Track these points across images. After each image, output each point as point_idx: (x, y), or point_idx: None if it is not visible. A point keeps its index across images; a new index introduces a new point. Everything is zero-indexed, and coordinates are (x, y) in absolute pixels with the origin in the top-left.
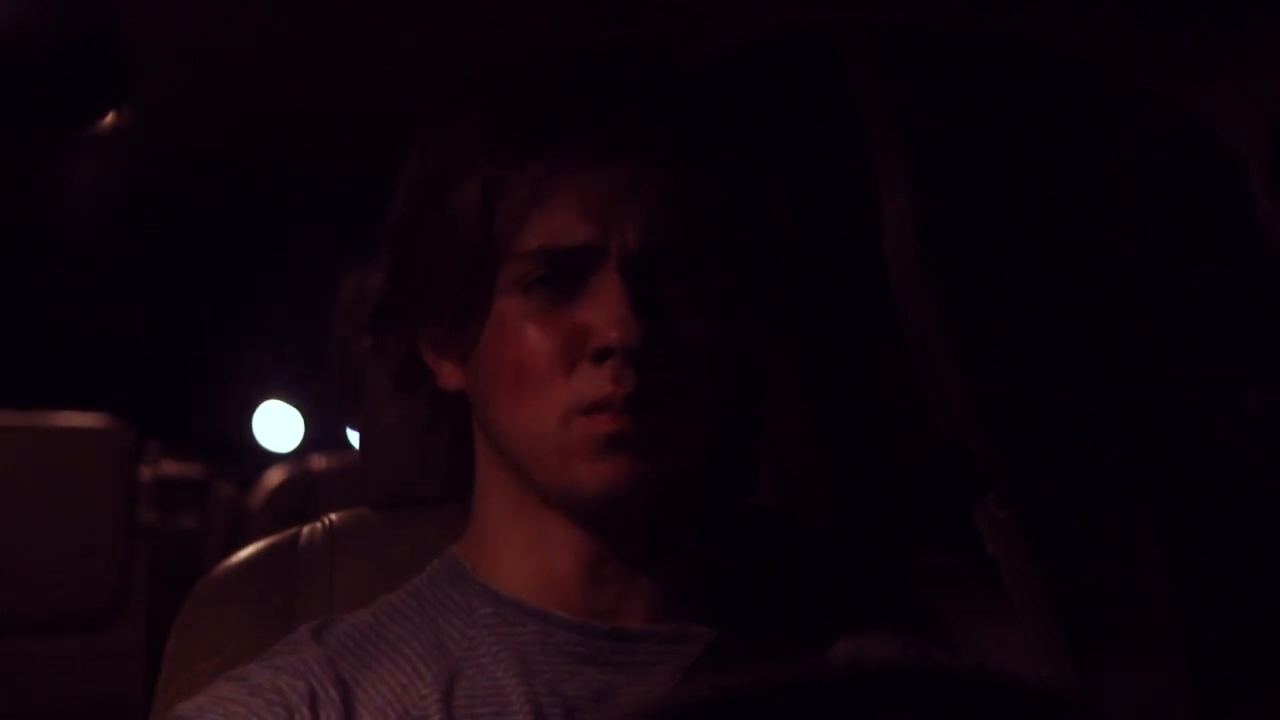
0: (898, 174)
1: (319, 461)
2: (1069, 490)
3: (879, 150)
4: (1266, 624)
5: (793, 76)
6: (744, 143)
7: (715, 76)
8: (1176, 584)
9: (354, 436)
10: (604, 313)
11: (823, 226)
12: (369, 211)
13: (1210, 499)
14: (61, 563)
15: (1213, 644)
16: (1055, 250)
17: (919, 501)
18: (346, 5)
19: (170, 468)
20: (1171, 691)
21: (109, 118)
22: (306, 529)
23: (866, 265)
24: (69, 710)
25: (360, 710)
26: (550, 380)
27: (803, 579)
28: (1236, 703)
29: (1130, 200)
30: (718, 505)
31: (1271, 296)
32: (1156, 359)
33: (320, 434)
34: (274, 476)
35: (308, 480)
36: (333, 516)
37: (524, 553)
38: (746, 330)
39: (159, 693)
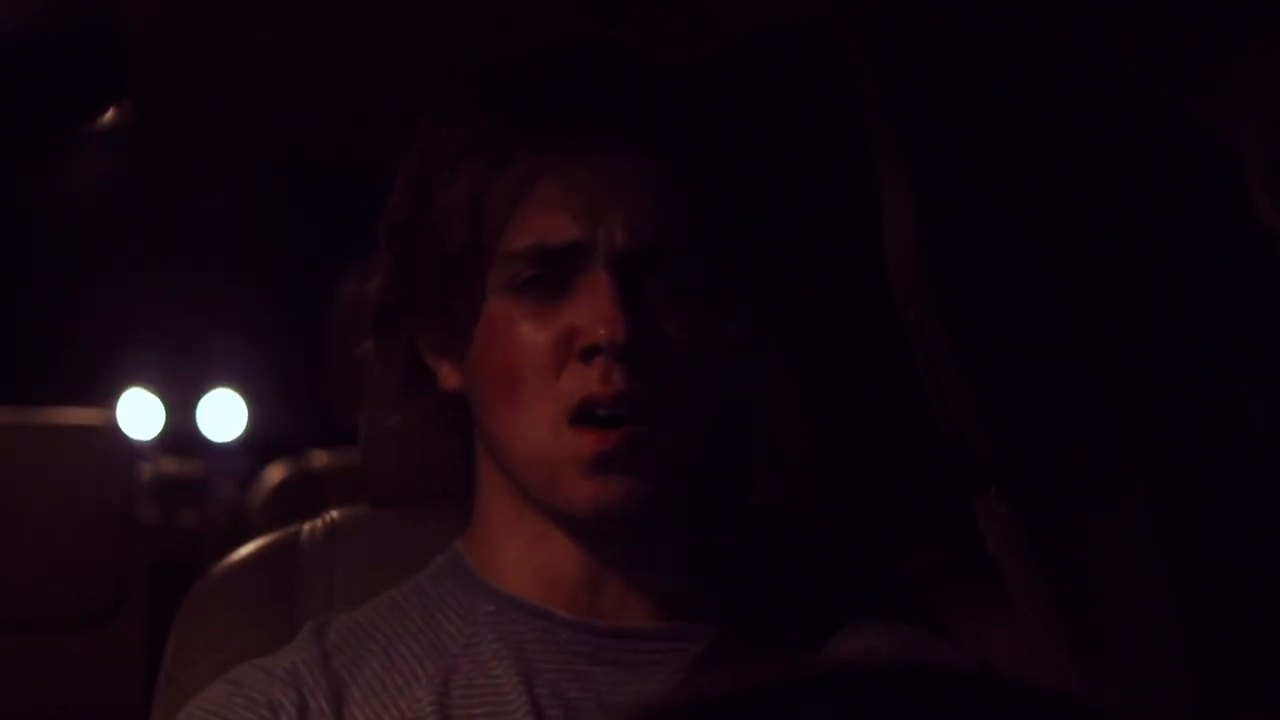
0: (898, 171)
1: (320, 458)
2: (1069, 488)
3: (879, 147)
4: (1266, 624)
5: (794, 73)
6: (732, 137)
7: (699, 73)
8: (1176, 583)
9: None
10: (591, 311)
11: (823, 223)
12: (369, 210)
13: (1210, 498)
14: (62, 560)
15: (1213, 644)
16: (1055, 248)
17: (919, 498)
18: (348, 3)
19: (170, 465)
20: (1171, 691)
21: (110, 113)
22: (307, 526)
23: (866, 262)
24: (69, 708)
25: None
26: (542, 385)
27: (805, 577)
28: (1236, 703)
29: (1130, 199)
30: (718, 503)
31: (1272, 296)
32: (1156, 358)
33: (265, 424)
34: (275, 474)
35: (308, 477)
36: (333, 514)
37: (524, 554)
38: (744, 327)
39: (159, 690)
